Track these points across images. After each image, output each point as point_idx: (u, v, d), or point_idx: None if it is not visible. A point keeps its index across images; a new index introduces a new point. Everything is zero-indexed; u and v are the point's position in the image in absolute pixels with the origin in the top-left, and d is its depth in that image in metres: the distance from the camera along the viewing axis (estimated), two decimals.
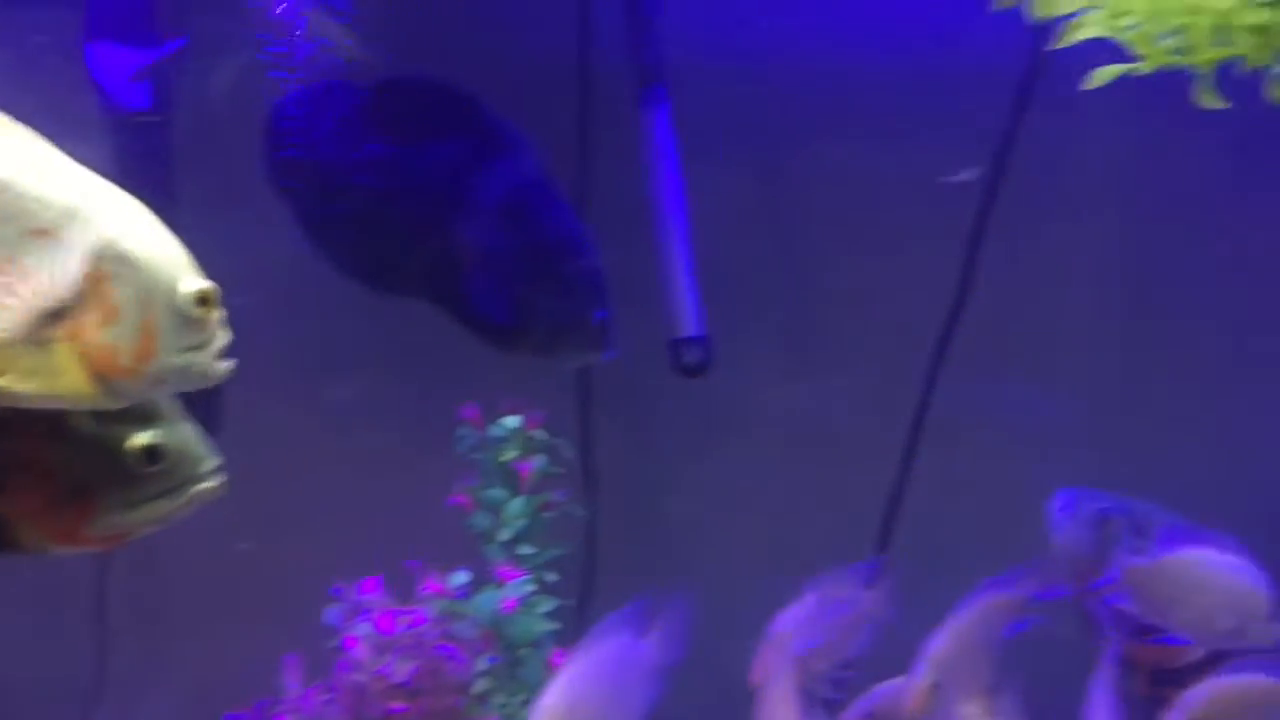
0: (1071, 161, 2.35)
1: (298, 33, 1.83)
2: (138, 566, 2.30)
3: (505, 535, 1.89)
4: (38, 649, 2.28)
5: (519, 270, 1.88)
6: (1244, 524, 1.76)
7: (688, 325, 1.88)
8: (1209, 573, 1.71)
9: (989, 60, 2.11)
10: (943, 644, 1.74)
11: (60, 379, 1.00)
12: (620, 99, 2.12)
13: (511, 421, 1.92)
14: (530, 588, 1.86)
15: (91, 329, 0.98)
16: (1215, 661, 1.84)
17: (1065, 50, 1.25)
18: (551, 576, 1.91)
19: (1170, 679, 1.87)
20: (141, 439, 1.07)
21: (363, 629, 1.89)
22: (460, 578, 1.85)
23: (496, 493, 1.92)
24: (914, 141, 2.25)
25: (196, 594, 2.28)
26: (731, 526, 2.33)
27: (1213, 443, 2.36)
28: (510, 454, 1.93)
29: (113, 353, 0.99)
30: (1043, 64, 2.05)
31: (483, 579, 1.94)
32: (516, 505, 1.89)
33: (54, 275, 0.98)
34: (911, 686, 1.72)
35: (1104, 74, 1.16)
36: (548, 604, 1.86)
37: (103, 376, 0.99)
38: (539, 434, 1.96)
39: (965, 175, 2.12)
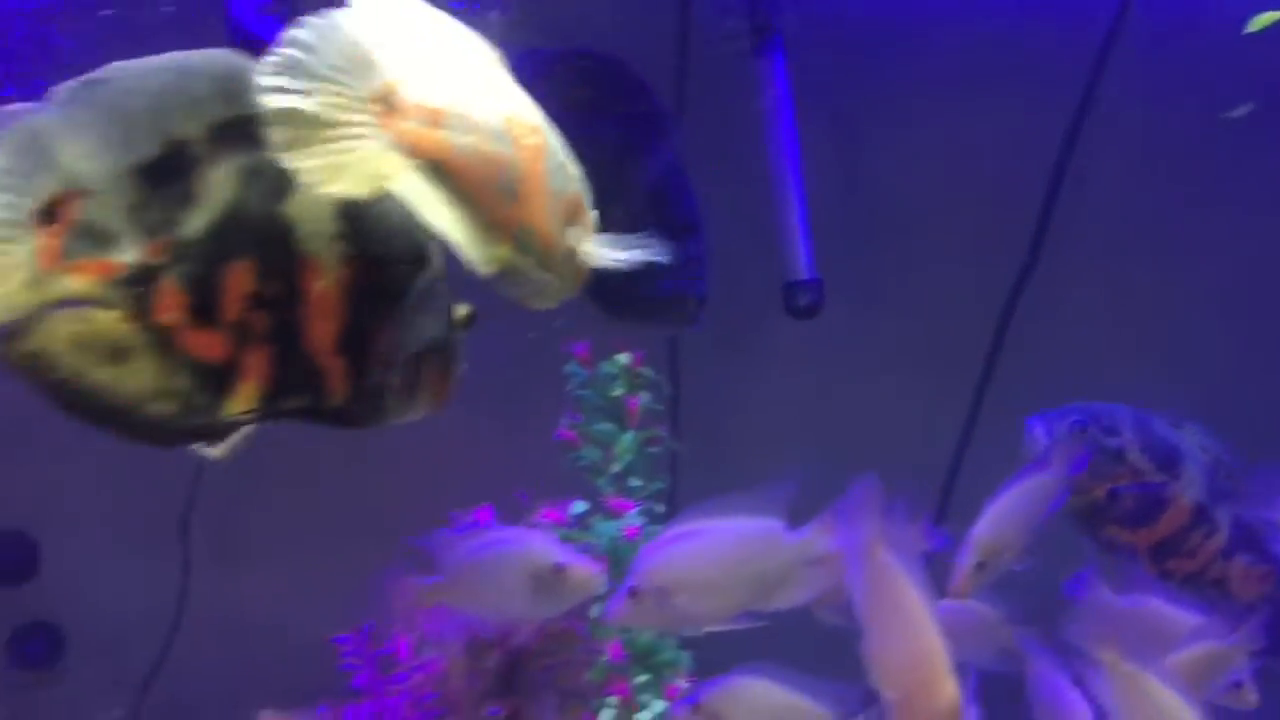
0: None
1: None
2: (226, 500, 2.38)
3: (616, 468, 1.97)
4: (130, 573, 2.37)
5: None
6: None
7: (801, 269, 1.96)
8: None
9: (1076, 19, 2.20)
10: (986, 527, 1.82)
11: (576, 281, 1.23)
12: (715, 55, 2.20)
13: (623, 358, 1.99)
14: (643, 519, 1.94)
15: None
16: (1201, 520, 1.97)
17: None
18: (660, 508, 1.99)
19: (1169, 550, 1.99)
20: (464, 309, 1.27)
21: None
22: (579, 506, 1.92)
23: (606, 427, 2.00)
24: (998, 101, 2.34)
25: (295, 523, 2.36)
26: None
27: None
28: (619, 390, 2.00)
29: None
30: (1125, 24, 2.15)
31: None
32: (627, 439, 1.97)
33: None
34: (958, 568, 1.81)
35: (1262, 20, 1.24)
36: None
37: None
38: (645, 370, 2.03)
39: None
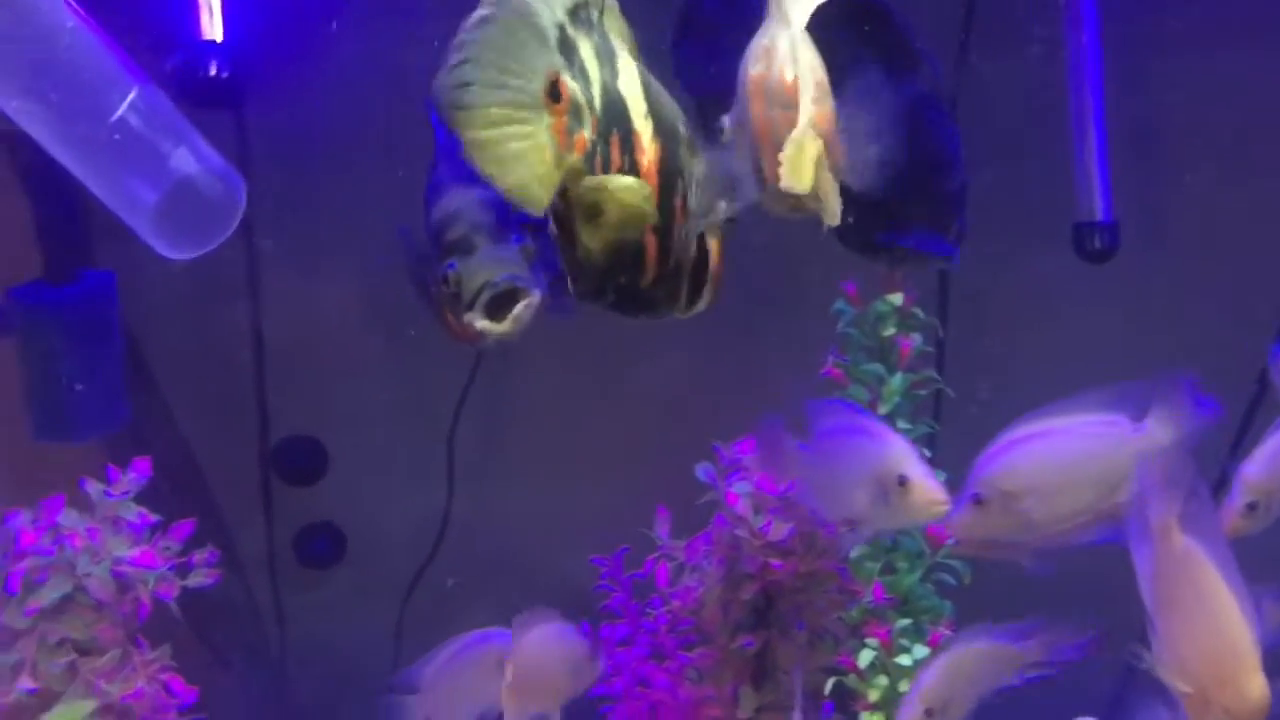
0: None
1: None
2: (489, 422, 2.47)
3: (884, 409, 1.93)
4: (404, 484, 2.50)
5: (900, 183, 1.90)
6: None
7: (1097, 210, 1.86)
8: None
9: None
10: (1257, 467, 1.69)
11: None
12: None
13: (895, 298, 1.94)
14: None
15: None
16: None
17: None
18: (926, 453, 1.95)
19: None
20: (724, 206, 1.27)
21: (742, 487, 1.99)
22: None
23: (875, 367, 1.96)
24: None
25: (556, 448, 2.44)
26: None
27: None
28: (889, 330, 1.96)
29: None
30: None
31: None
32: (898, 380, 1.93)
33: None
34: (1226, 509, 1.67)
35: None
36: None
37: None
38: (917, 311, 1.98)
39: None
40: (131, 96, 1.26)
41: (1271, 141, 2.29)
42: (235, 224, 1.42)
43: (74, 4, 1.21)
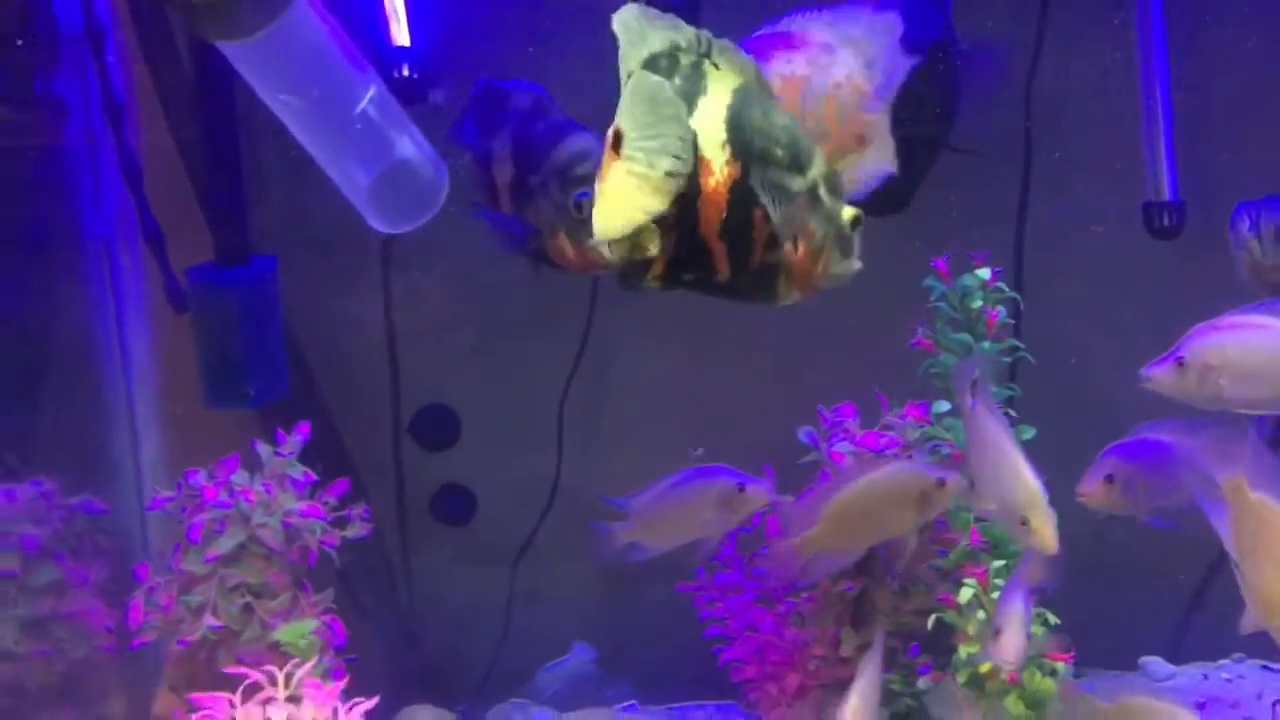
0: None
1: None
2: (597, 395, 2.66)
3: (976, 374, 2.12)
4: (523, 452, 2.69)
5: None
6: None
7: (1165, 189, 2.05)
8: None
9: None
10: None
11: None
12: None
13: (983, 273, 2.13)
14: None
15: None
16: None
17: None
18: (1011, 413, 2.13)
19: None
20: (850, 211, 1.52)
21: (844, 446, 2.19)
22: (941, 405, 2.10)
23: (964, 336, 2.15)
24: None
25: (659, 419, 2.64)
26: None
27: None
28: (976, 302, 2.15)
29: None
30: None
31: None
32: (986, 349, 2.12)
33: None
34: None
35: None
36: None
37: None
38: (1002, 285, 2.17)
39: None
40: (371, 93, 1.48)
41: None
42: (439, 205, 1.63)
43: (322, 15, 1.42)
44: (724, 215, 1.44)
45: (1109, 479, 1.88)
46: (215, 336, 2.10)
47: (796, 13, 1.99)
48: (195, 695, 1.76)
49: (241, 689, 1.69)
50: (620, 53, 1.40)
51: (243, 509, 2.12)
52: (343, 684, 1.93)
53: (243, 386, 2.10)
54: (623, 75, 1.40)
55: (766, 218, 1.45)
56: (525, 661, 2.65)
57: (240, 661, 2.07)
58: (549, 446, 2.60)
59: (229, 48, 1.35)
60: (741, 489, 2.01)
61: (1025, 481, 1.71)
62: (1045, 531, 1.69)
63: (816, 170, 1.48)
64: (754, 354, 2.53)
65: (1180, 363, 1.75)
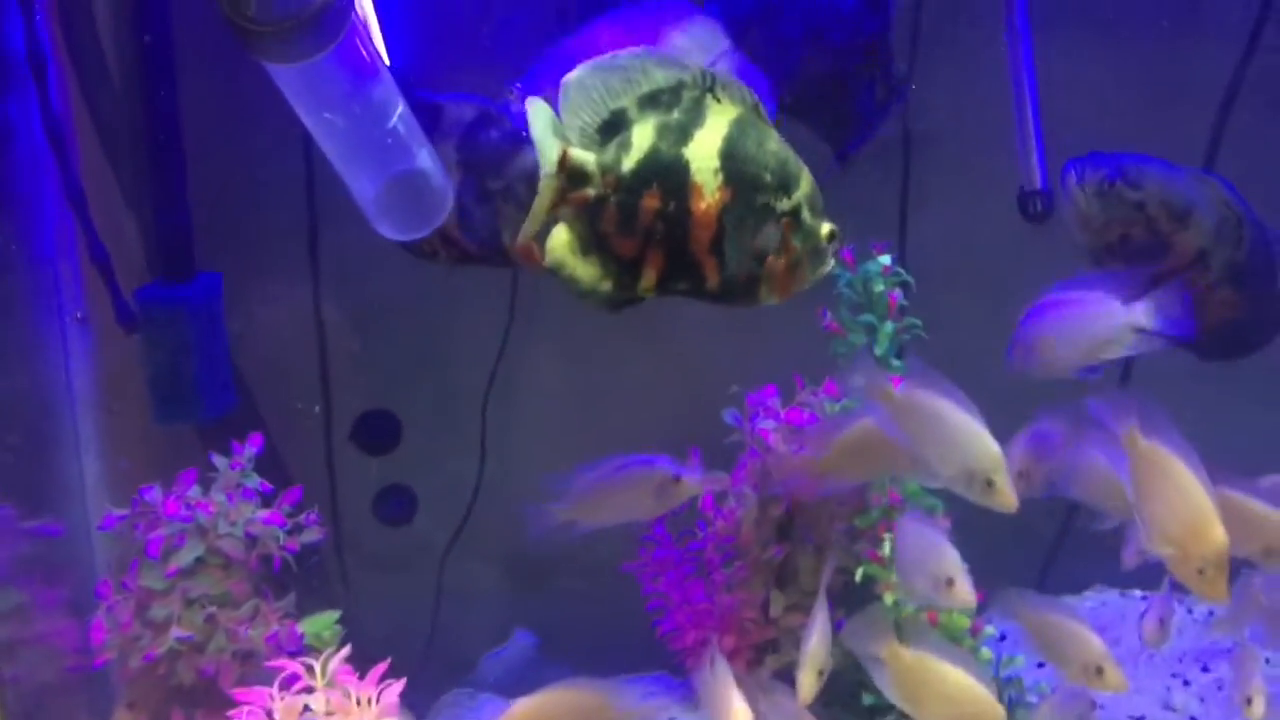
0: None
1: None
2: (516, 386, 2.76)
3: (879, 350, 2.34)
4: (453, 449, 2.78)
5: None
6: None
7: (1036, 178, 2.32)
8: None
9: None
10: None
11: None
12: None
13: (884, 259, 2.35)
14: None
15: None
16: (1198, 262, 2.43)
17: None
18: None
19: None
20: (828, 227, 1.71)
21: (769, 424, 2.38)
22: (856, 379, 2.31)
23: (869, 318, 2.37)
24: None
25: (585, 405, 2.77)
26: None
27: None
28: (879, 286, 2.37)
29: None
30: None
31: None
32: (889, 327, 2.34)
33: None
34: None
35: None
36: None
37: None
38: (900, 269, 2.39)
39: None
40: (400, 109, 1.58)
41: None
42: (442, 219, 1.73)
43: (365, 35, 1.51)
44: (714, 234, 1.64)
45: (1021, 475, 2.10)
46: (166, 354, 2.14)
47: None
48: (235, 691, 1.80)
49: (278, 681, 1.75)
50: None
51: (201, 522, 2.17)
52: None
53: (195, 402, 2.14)
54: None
55: (754, 235, 1.65)
56: (464, 652, 2.76)
57: (203, 674, 2.13)
58: (475, 447, 2.72)
59: (279, 70, 1.43)
60: (677, 479, 2.18)
61: (987, 445, 1.90)
62: (1007, 489, 1.89)
63: (801, 192, 1.69)
64: (674, 344, 2.70)
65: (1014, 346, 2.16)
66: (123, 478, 2.33)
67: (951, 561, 2.02)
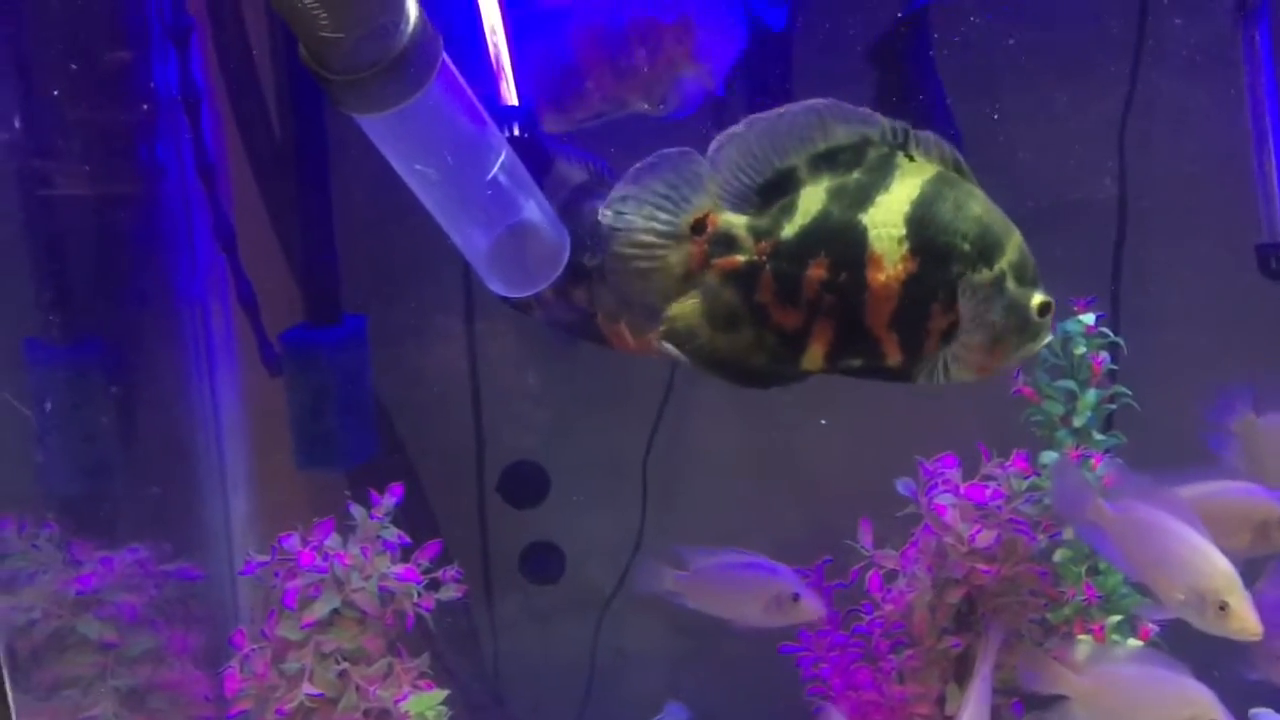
0: None
1: None
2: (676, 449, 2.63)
3: (1078, 422, 2.08)
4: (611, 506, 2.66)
5: None
6: None
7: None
8: None
9: None
10: None
11: None
12: None
13: (1087, 318, 2.09)
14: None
15: None
16: None
17: None
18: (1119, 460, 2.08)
19: None
20: (1039, 298, 1.50)
21: (947, 498, 2.14)
22: (1049, 456, 2.05)
23: (1068, 384, 2.10)
24: None
25: (744, 471, 2.61)
26: None
27: None
28: (1081, 348, 2.10)
29: None
30: None
31: None
32: (1091, 395, 2.07)
33: None
34: None
35: None
36: None
37: None
38: (1105, 330, 2.12)
39: None
40: (501, 158, 1.48)
41: None
42: (560, 269, 1.62)
43: (456, 79, 1.42)
44: (896, 308, 1.45)
45: None
46: (309, 398, 2.09)
47: None
48: None
49: None
50: None
51: (337, 573, 2.10)
52: None
53: (335, 448, 2.08)
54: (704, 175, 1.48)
55: (944, 310, 1.45)
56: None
57: None
58: (634, 504, 2.58)
59: (367, 121, 1.35)
60: (796, 599, 2.08)
61: (1218, 565, 1.68)
62: (1247, 613, 1.66)
63: (1005, 260, 1.48)
64: (845, 405, 2.49)
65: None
66: (273, 522, 2.29)
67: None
